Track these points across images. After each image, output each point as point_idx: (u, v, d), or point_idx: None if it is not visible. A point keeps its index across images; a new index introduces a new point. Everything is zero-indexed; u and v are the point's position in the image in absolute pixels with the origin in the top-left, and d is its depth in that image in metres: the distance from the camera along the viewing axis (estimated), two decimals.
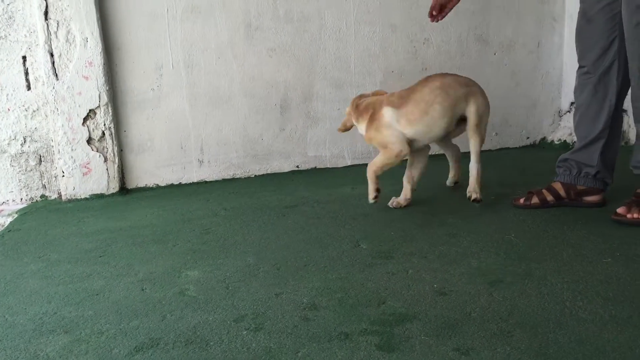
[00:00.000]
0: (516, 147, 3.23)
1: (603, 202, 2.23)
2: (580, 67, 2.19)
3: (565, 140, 3.19)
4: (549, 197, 2.23)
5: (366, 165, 2.84)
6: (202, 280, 1.77)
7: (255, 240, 2.10)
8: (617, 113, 2.16)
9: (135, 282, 1.80)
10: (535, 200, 2.23)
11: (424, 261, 1.82)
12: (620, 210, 2.02)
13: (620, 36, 2.04)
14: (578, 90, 2.20)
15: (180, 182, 2.91)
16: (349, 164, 3.09)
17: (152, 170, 2.87)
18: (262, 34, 2.88)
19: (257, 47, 2.89)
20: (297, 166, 3.05)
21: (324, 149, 3.06)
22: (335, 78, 2.99)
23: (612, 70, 2.09)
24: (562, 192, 2.23)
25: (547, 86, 3.22)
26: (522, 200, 2.26)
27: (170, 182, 2.90)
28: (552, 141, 3.23)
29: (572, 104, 3.16)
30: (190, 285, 1.75)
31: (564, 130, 3.20)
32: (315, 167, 3.06)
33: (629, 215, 1.99)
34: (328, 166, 3.08)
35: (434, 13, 2.27)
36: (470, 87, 2.25)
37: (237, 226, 2.28)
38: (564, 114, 3.21)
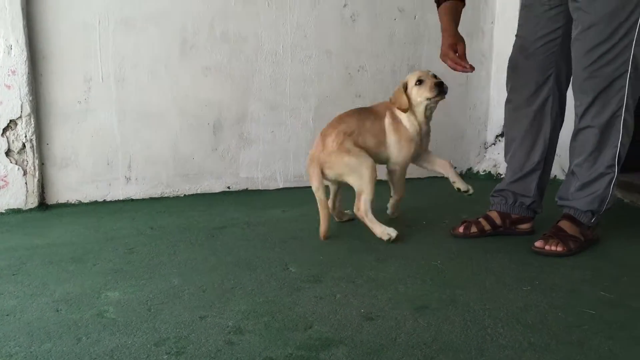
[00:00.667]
0: (444, 176, 3.30)
1: (533, 230, 2.33)
2: (509, 100, 2.28)
3: (489, 172, 3.30)
4: (487, 227, 2.30)
5: (299, 188, 2.85)
6: (122, 302, 1.70)
7: (181, 261, 2.04)
8: (552, 146, 2.26)
9: (50, 302, 1.70)
10: (474, 229, 2.29)
11: (352, 286, 1.82)
12: (538, 243, 2.09)
13: (557, 73, 2.14)
14: (510, 124, 2.29)
15: (105, 199, 2.81)
16: (281, 186, 3.08)
17: (75, 185, 2.75)
18: (198, 52, 2.85)
19: (192, 65, 2.85)
20: (229, 187, 3.01)
21: (256, 171, 3.04)
22: (270, 100, 2.99)
23: (547, 105, 2.19)
24: (498, 221, 2.31)
25: (474, 119, 3.34)
26: (461, 230, 2.29)
27: (94, 199, 2.79)
28: (478, 172, 3.34)
29: (497, 136, 3.29)
30: (110, 306, 1.67)
31: (489, 162, 3.32)
32: (247, 189, 3.03)
33: (546, 247, 2.07)
34: (260, 188, 3.05)
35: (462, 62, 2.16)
36: None
37: (163, 246, 2.21)
38: (489, 146, 3.34)
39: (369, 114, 2.31)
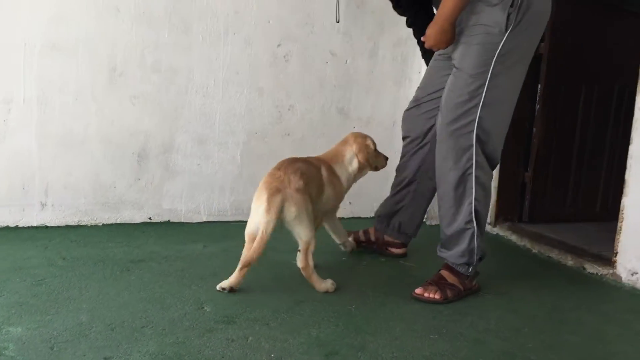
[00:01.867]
0: (367, 217, 3.37)
1: (405, 254, 2.65)
2: (404, 137, 2.55)
3: None
4: (362, 237, 2.67)
5: (222, 222, 2.84)
6: (24, 339, 1.64)
7: (92, 296, 1.99)
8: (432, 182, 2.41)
9: None
10: (351, 237, 2.65)
11: (265, 328, 1.82)
12: (418, 290, 2.16)
13: None
14: (401, 167, 2.59)
15: (17, 225, 2.70)
16: (204, 219, 3.05)
17: None
18: (126, 81, 2.81)
19: (120, 92, 2.81)
20: (150, 218, 2.95)
21: (180, 203, 3.00)
22: (198, 133, 2.98)
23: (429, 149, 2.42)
24: (372, 237, 2.66)
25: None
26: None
27: (5, 224, 2.68)
28: None
29: None
30: (10, 343, 1.60)
31: None
32: (169, 221, 2.99)
33: (425, 294, 2.14)
34: (183, 220, 3.01)
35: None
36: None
37: (75, 279, 2.14)
38: None
39: (310, 164, 2.26)
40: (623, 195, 2.42)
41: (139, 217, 2.93)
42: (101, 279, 2.16)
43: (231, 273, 2.29)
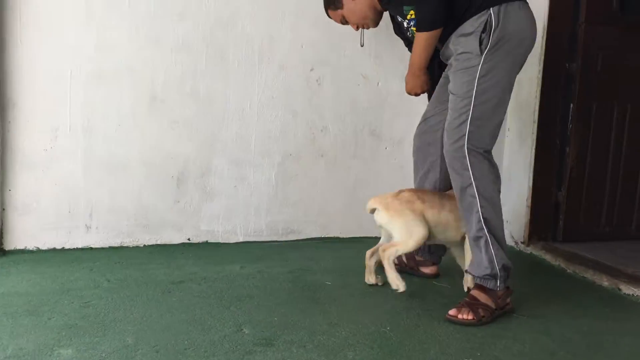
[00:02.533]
0: None
1: (437, 274, 2.68)
2: (414, 153, 2.73)
3: None
4: (395, 261, 2.55)
5: (258, 242, 2.91)
6: None
7: (136, 318, 2.08)
8: None
9: (3, 359, 1.72)
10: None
11: (302, 351, 1.88)
12: (451, 312, 2.20)
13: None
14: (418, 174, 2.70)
15: (63, 247, 2.82)
16: (241, 240, 3.13)
17: (34, 232, 2.76)
18: (166, 106, 2.93)
19: (160, 118, 2.93)
20: (189, 239, 3.05)
21: (217, 224, 3.09)
22: (234, 156, 3.07)
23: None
24: (404, 259, 2.67)
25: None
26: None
27: (52, 246, 2.80)
28: None
29: None
30: None
31: None
32: (207, 241, 3.08)
33: (459, 316, 2.17)
34: (220, 241, 3.10)
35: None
36: None
37: (120, 301, 2.24)
38: None
39: (438, 195, 2.48)
40: None
41: (178, 238, 3.02)
42: (144, 300, 2.25)
43: (266, 295, 2.37)
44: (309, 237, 3.23)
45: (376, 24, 2.56)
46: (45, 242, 2.79)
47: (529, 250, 3.21)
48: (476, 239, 2.23)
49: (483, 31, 2.15)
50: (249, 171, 3.10)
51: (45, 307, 2.12)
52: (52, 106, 2.74)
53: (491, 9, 2.14)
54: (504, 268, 2.23)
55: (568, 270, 2.91)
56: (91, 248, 2.86)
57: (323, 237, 3.25)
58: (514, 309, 2.30)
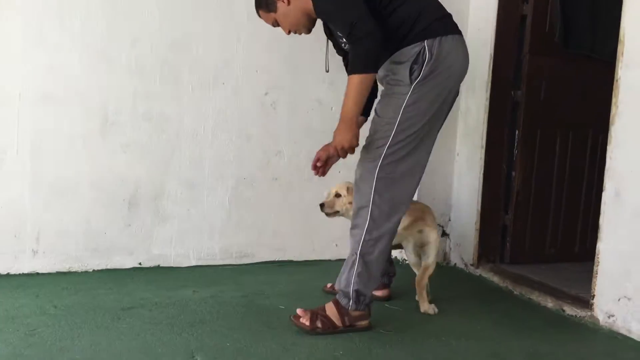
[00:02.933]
0: None
1: (389, 296, 2.71)
2: None
3: (396, 256, 3.44)
4: None
5: (211, 266, 2.88)
6: None
7: (85, 346, 2.03)
8: None
9: None
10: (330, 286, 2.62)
11: None
12: (299, 311, 2.29)
13: None
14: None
15: (8, 273, 2.74)
16: (194, 264, 3.10)
17: None
18: (118, 129, 2.89)
19: (111, 141, 2.89)
20: (140, 263, 3.00)
21: (170, 248, 3.06)
22: (188, 179, 3.05)
23: None
24: None
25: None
26: (328, 286, 2.69)
27: None
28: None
29: None
30: None
31: None
32: (159, 266, 3.04)
33: (301, 320, 2.27)
34: (172, 265, 3.06)
35: (318, 165, 2.34)
36: None
37: (67, 328, 2.19)
38: None
39: None
40: (598, 240, 2.52)
41: (129, 263, 2.98)
42: (93, 327, 2.20)
43: (220, 319, 2.36)
44: (263, 260, 3.22)
45: (309, 31, 2.42)
46: None
47: (478, 272, 3.28)
48: (350, 256, 2.29)
49: (415, 62, 2.18)
50: (202, 194, 3.09)
51: None
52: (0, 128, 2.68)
53: (426, 41, 2.17)
54: (358, 295, 2.27)
55: (515, 292, 2.99)
56: (38, 273, 2.79)
57: (277, 261, 3.25)
58: (371, 328, 2.33)
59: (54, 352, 1.96)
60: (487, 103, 3.28)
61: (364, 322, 2.32)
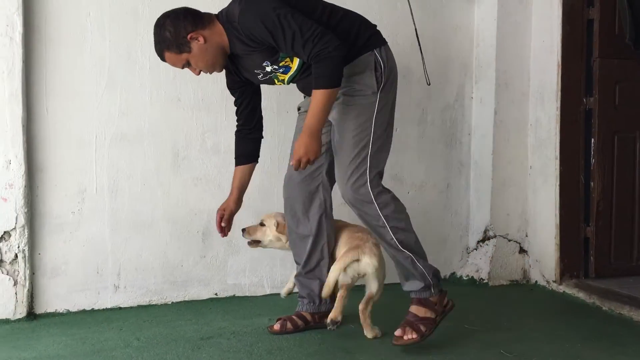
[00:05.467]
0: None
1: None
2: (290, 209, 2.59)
3: (472, 277, 3.37)
4: (299, 322, 2.53)
5: None
6: None
7: None
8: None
9: None
10: (289, 326, 2.51)
11: None
12: (397, 332, 2.28)
13: (323, 184, 2.51)
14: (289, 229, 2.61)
15: (93, 308, 2.84)
16: (268, 292, 3.12)
17: (64, 294, 2.79)
18: (189, 164, 2.98)
19: (183, 175, 2.98)
20: (216, 294, 3.05)
21: (244, 277, 3.09)
22: (258, 208, 3.08)
23: (319, 203, 2.55)
24: (309, 318, 2.55)
25: (456, 225, 3.45)
26: (277, 327, 2.51)
27: (82, 308, 2.82)
28: (461, 276, 3.41)
29: (478, 242, 3.39)
30: None
31: (471, 267, 3.40)
32: (234, 295, 3.07)
33: (405, 337, 2.24)
34: (247, 294, 3.09)
35: (223, 225, 2.51)
36: None
37: (150, 359, 2.23)
38: (471, 251, 3.42)
39: None
40: None
41: (205, 294, 3.03)
42: (174, 358, 2.25)
43: (298, 345, 2.35)
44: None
45: (222, 68, 2.35)
46: (75, 303, 2.81)
47: (561, 289, 3.14)
48: (401, 259, 2.31)
49: (375, 70, 2.25)
50: None
51: None
52: (79, 169, 2.81)
53: (375, 50, 2.26)
54: (435, 275, 2.33)
55: (604, 308, 2.83)
56: (120, 308, 2.87)
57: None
58: (454, 305, 2.37)
59: None
60: (558, 113, 3.17)
61: (446, 301, 2.35)
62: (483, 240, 3.36)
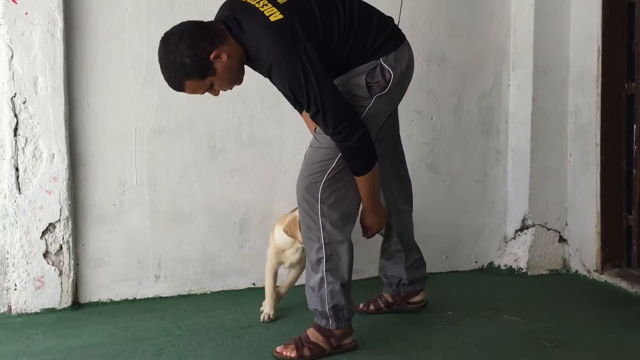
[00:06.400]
0: (465, 271, 3.35)
1: (425, 302, 2.64)
2: None
3: (510, 266, 3.33)
4: (381, 305, 2.62)
5: None
6: None
7: None
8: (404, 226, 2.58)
9: None
10: (372, 307, 2.62)
11: None
12: (278, 348, 2.21)
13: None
14: None
15: (135, 298, 2.90)
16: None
17: (107, 284, 2.86)
18: (225, 156, 3.01)
19: (220, 167, 3.01)
20: (254, 283, 3.08)
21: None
22: (293, 199, 3.08)
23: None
24: (390, 300, 2.62)
25: (493, 214, 3.41)
26: (361, 306, 2.61)
27: (124, 297, 2.89)
28: (499, 266, 3.37)
29: (517, 231, 3.34)
30: None
31: (510, 256, 3.35)
32: None
33: (284, 353, 2.18)
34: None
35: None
36: None
37: (191, 347, 2.28)
38: (509, 240, 3.38)
39: None
40: None
41: (243, 283, 3.07)
42: (214, 346, 2.29)
43: None
44: (372, 276, 3.20)
45: (241, 81, 2.16)
46: (118, 293, 2.88)
47: (602, 278, 3.08)
48: (314, 275, 2.21)
49: (372, 78, 2.09)
50: None
51: (120, 357, 2.19)
52: (119, 162, 2.87)
53: (381, 58, 2.09)
54: (336, 309, 2.19)
55: None
56: (161, 297, 2.94)
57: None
58: (356, 347, 2.26)
59: None
60: (599, 99, 3.10)
61: (348, 341, 2.25)
62: (521, 230, 3.32)
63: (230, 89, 2.18)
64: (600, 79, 3.08)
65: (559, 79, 3.28)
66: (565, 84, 3.27)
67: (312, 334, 2.23)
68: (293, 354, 2.17)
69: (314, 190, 2.17)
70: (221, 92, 2.14)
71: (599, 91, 3.09)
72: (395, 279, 2.61)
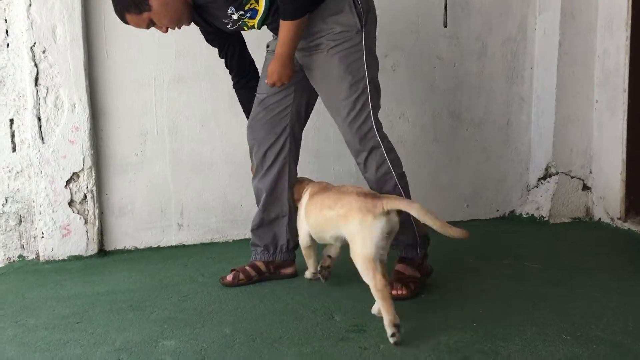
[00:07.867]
0: (487, 219, 3.34)
1: (295, 273, 2.49)
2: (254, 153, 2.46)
3: (532, 214, 3.31)
4: (253, 274, 2.43)
5: None
6: (178, 351, 1.81)
7: (231, 309, 2.15)
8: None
9: (112, 351, 1.83)
10: (241, 277, 2.41)
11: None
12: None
13: (291, 123, 2.39)
14: (257, 175, 2.49)
15: (158, 245, 2.96)
16: None
17: (131, 232, 2.91)
18: None
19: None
20: None
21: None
22: (314, 149, 3.10)
23: (285, 155, 2.44)
24: (263, 268, 2.45)
25: (516, 162, 3.37)
26: (229, 278, 2.40)
27: (149, 245, 2.94)
28: (521, 214, 3.36)
29: (539, 179, 3.31)
30: (167, 356, 1.79)
31: (532, 204, 3.33)
32: None
33: (393, 292, 2.11)
34: None
35: None
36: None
37: (215, 293, 2.32)
38: (532, 188, 3.35)
39: None
40: None
41: None
42: (237, 293, 2.32)
43: (355, 282, 2.37)
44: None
45: (190, 21, 2.18)
46: (142, 241, 2.93)
47: (626, 226, 3.05)
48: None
49: (355, 7, 2.09)
50: (329, 163, 3.13)
51: (146, 303, 2.24)
52: (139, 112, 2.87)
53: None
54: (423, 236, 2.27)
55: None
56: (184, 245, 2.98)
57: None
58: (432, 270, 2.34)
59: (204, 315, 2.10)
60: (628, 43, 3.00)
61: (427, 264, 2.34)
62: (544, 178, 3.28)
63: (178, 27, 2.18)
64: (630, 22, 2.98)
65: (587, 22, 3.17)
66: (594, 28, 3.17)
67: (404, 268, 2.28)
68: (404, 292, 2.19)
69: (371, 136, 2.24)
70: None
71: (629, 34, 2.99)
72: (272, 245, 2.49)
